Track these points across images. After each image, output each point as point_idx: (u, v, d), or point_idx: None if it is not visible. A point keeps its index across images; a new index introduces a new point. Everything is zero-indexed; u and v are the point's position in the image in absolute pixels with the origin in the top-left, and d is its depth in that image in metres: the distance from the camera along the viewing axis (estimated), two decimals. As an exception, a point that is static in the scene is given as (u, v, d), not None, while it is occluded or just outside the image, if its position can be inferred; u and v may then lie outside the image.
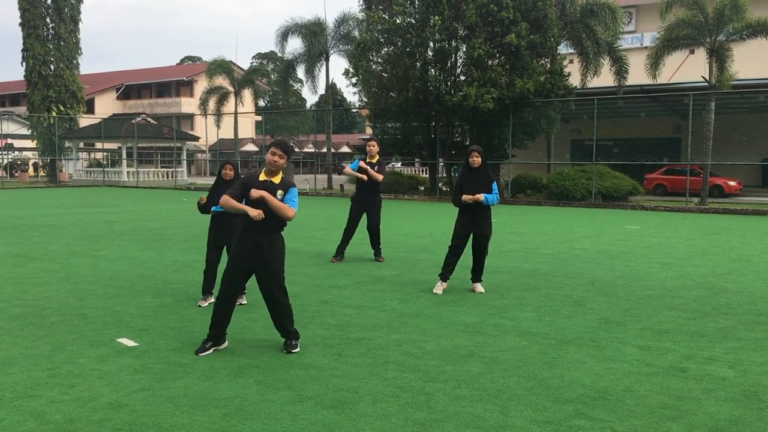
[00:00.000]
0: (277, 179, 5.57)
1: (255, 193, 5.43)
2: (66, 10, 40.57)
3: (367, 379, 4.89)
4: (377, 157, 10.40)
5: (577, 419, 4.20)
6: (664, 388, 4.75)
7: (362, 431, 4.00)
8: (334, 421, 4.14)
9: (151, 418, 4.16)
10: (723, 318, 6.84)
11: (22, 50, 40.50)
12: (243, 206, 5.46)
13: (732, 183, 29.00)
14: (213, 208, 7.21)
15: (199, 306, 7.23)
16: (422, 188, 29.50)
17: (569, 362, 5.33)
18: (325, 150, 38.85)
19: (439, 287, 8.01)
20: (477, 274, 8.12)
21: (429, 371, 5.09)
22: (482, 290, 8.04)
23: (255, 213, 5.39)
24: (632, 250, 11.89)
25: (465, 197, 7.77)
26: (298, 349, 5.58)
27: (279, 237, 5.64)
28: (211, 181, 42.44)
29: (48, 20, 40.56)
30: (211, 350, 5.55)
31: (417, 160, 43.32)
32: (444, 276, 8.05)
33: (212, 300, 7.35)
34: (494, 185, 7.91)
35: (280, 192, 5.52)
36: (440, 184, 28.49)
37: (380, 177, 10.31)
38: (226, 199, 5.52)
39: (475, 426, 4.08)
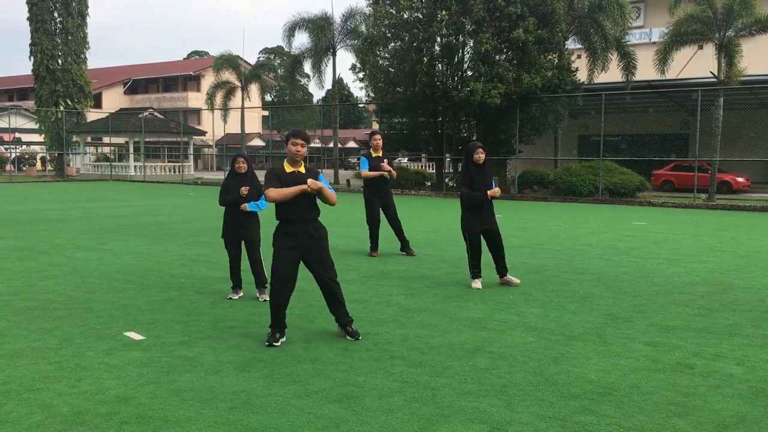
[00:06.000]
0: (302, 169, 5.68)
1: (313, 184, 5.49)
2: (74, 4, 40.67)
3: (373, 374, 4.90)
4: (381, 150, 10.61)
5: (584, 415, 4.19)
6: (671, 385, 4.74)
7: (368, 426, 4.01)
8: (340, 416, 4.14)
9: (158, 412, 4.18)
10: (730, 314, 6.81)
11: (30, 45, 40.64)
12: (297, 187, 5.48)
13: (740, 179, 28.81)
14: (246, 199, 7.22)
15: (229, 298, 7.30)
16: (429, 183, 29.46)
17: (575, 358, 5.32)
18: (331, 145, 38.82)
19: (478, 282, 8.08)
20: (503, 268, 8.18)
21: (435, 366, 5.09)
22: (517, 281, 8.15)
23: (311, 182, 5.48)
24: (639, 246, 11.85)
25: (491, 192, 7.98)
26: (360, 337, 5.76)
27: (321, 222, 5.84)
28: (218, 175, 42.53)
29: (56, 14, 40.67)
30: (280, 342, 5.63)
31: (423, 155, 43.24)
32: (477, 275, 8.13)
33: (242, 294, 7.40)
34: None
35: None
36: (447, 180, 28.44)
37: (395, 173, 10.74)
38: (277, 192, 5.48)
39: (481, 421, 4.08)
